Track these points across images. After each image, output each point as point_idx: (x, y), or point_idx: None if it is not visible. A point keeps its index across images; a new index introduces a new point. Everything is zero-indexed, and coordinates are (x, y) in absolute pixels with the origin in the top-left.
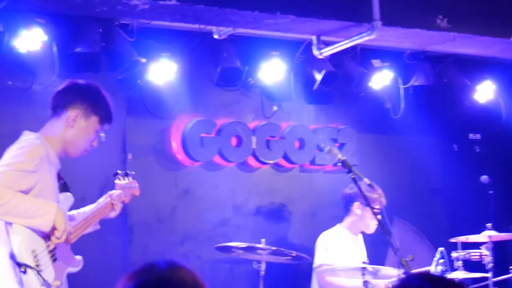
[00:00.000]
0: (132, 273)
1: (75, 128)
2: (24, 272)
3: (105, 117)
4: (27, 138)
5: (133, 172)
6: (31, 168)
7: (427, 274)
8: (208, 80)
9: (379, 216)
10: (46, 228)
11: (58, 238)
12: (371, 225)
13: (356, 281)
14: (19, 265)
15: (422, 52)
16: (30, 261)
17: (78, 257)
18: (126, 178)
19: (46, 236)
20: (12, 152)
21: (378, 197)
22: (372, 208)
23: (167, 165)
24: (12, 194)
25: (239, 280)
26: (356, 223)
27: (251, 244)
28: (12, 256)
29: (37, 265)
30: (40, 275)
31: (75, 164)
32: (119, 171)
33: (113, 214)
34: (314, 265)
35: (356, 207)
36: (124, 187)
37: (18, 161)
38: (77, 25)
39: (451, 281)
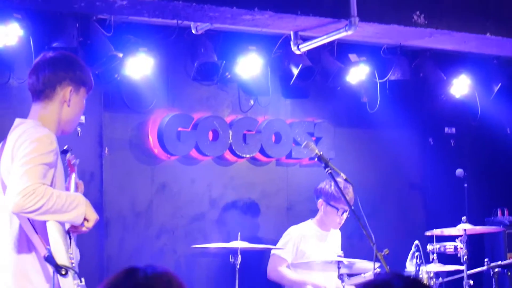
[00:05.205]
0: (110, 280)
1: (72, 105)
2: (66, 275)
3: (91, 85)
4: (31, 126)
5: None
6: (51, 160)
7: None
8: (185, 74)
9: (345, 215)
10: (79, 221)
11: (87, 229)
12: (334, 223)
13: (304, 276)
14: (58, 267)
15: (398, 46)
16: (68, 262)
17: None
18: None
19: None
20: (26, 144)
21: (348, 194)
22: (333, 206)
23: (144, 159)
24: (49, 190)
25: (216, 273)
26: (322, 219)
27: (227, 245)
28: (49, 258)
29: (72, 264)
30: (77, 274)
31: None
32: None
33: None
34: (272, 252)
35: (320, 204)
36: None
37: (39, 154)
38: (54, 20)
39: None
